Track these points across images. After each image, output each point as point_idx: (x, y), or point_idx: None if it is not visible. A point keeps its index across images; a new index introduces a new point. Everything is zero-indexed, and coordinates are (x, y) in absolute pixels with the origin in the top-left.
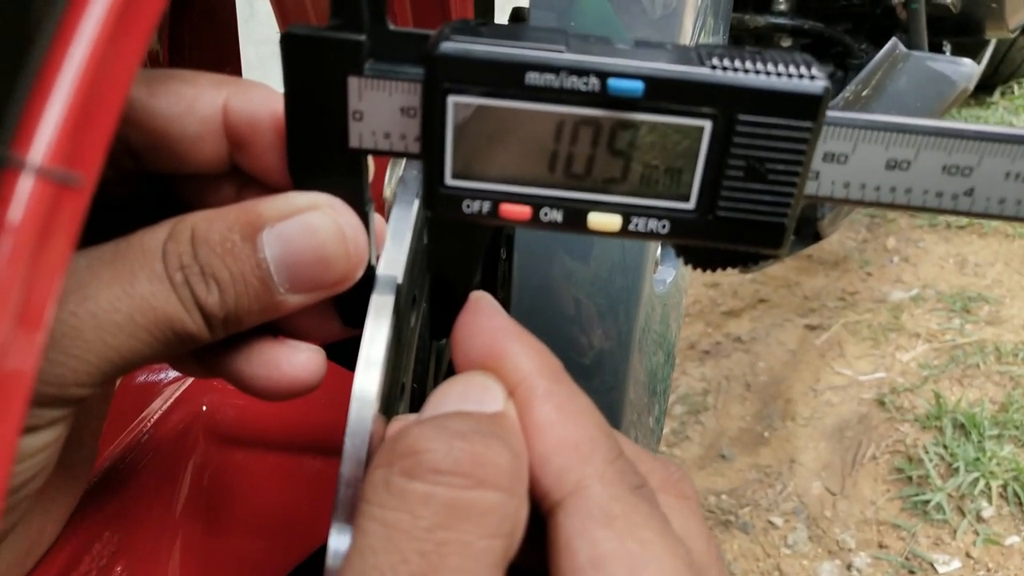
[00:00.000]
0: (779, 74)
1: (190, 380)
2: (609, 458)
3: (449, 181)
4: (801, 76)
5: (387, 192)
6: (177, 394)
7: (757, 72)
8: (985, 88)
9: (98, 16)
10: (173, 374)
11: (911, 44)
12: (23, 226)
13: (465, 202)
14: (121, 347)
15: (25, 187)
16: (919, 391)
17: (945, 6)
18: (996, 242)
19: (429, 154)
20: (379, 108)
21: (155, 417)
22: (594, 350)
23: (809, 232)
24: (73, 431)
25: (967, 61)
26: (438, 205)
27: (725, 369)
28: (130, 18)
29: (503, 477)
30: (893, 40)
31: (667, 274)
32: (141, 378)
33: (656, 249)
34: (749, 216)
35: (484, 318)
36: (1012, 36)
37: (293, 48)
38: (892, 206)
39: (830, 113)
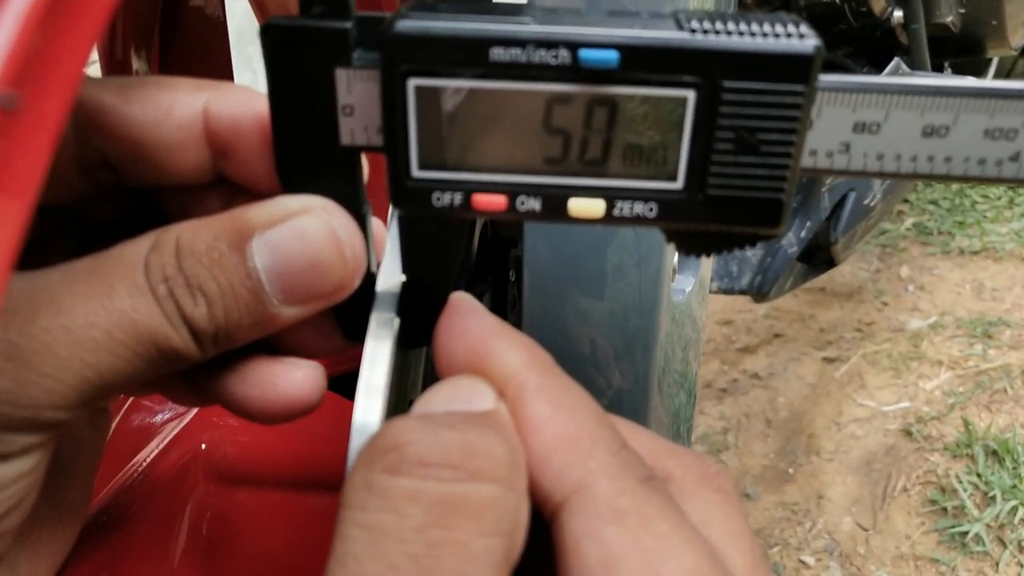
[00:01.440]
0: (765, 35)
1: (188, 418)
2: (612, 450)
3: (416, 173)
4: (789, 35)
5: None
6: (175, 432)
7: (741, 34)
8: None
9: None
10: (170, 413)
11: (913, 65)
12: None
13: (435, 195)
14: (99, 365)
15: None
16: (946, 419)
17: (945, 26)
18: (1012, 266)
19: (393, 145)
20: (370, 101)
21: (152, 457)
22: (612, 390)
23: (823, 259)
24: (60, 466)
25: (969, 79)
26: (406, 200)
27: (744, 406)
28: None
29: (499, 468)
30: (896, 61)
31: (686, 283)
32: (138, 419)
33: (672, 260)
34: (742, 193)
35: (465, 318)
36: (1015, 54)
37: (274, 41)
38: (931, 176)
39: (859, 79)
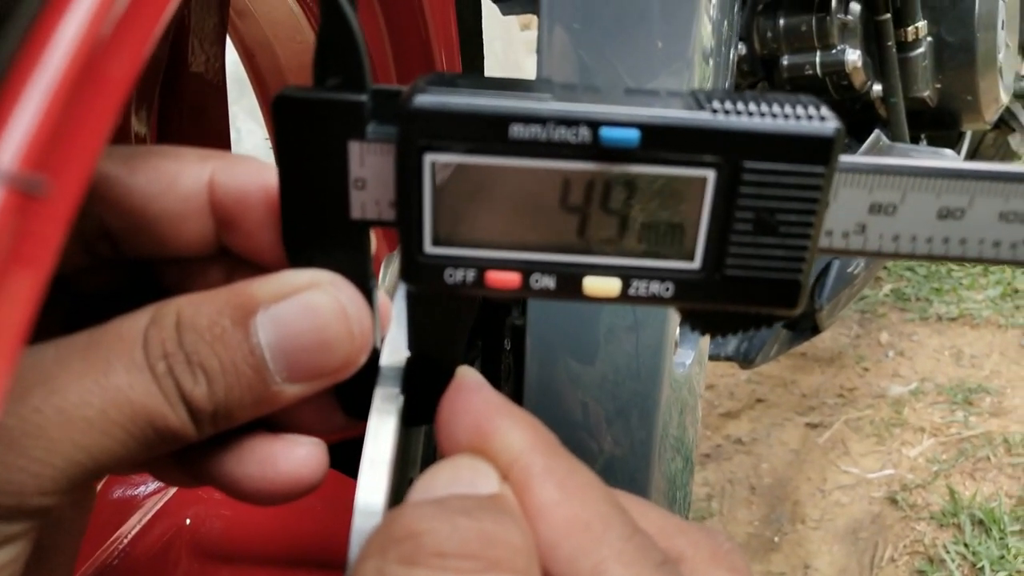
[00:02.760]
0: (786, 116)
1: (172, 491)
2: (625, 535)
3: (429, 249)
4: (810, 117)
5: (382, 289)
6: (158, 507)
7: (762, 115)
8: None
9: (79, 25)
10: (154, 485)
11: (892, 136)
12: None
13: (447, 271)
14: (91, 447)
15: None
16: (931, 487)
17: (922, 100)
18: (989, 333)
19: (406, 220)
20: (382, 175)
21: (134, 533)
22: (604, 456)
23: (807, 325)
24: (40, 548)
25: (948, 152)
26: (417, 276)
27: (728, 472)
28: (124, 31)
29: (517, 557)
30: (876, 132)
31: (686, 356)
32: (119, 491)
33: (675, 331)
34: (760, 274)
35: (469, 395)
36: (988, 128)
37: (287, 112)
38: (945, 258)
39: (876, 160)
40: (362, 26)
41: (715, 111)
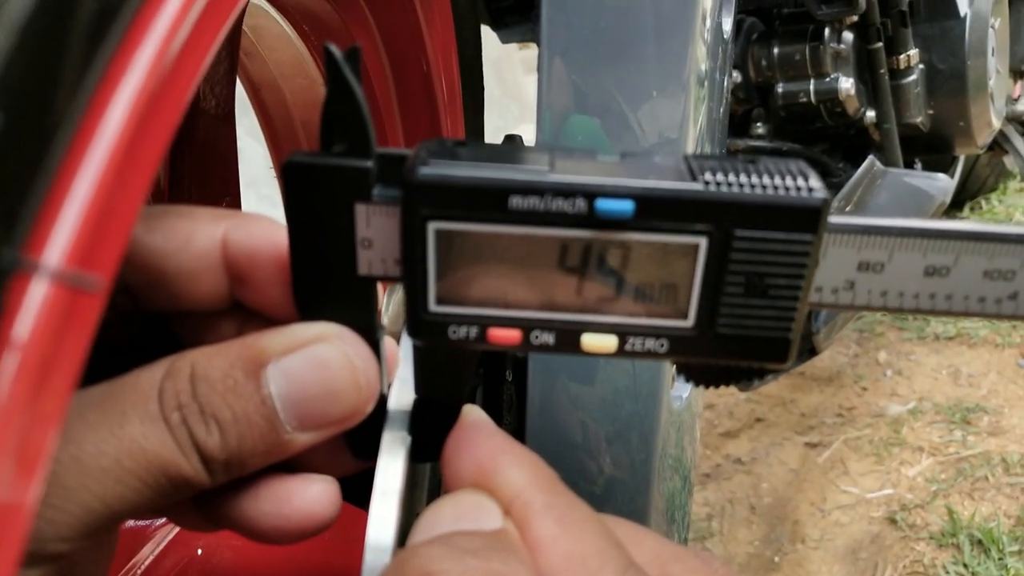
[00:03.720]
0: (775, 187)
1: None
2: (620, 569)
3: (433, 308)
4: (799, 189)
5: (385, 319)
6: (170, 537)
7: (752, 186)
8: (955, 204)
9: (119, 117)
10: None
11: (886, 162)
12: (33, 340)
13: (451, 328)
14: (106, 495)
15: (38, 294)
16: (930, 507)
17: (915, 125)
18: (986, 352)
19: (411, 281)
20: (388, 234)
21: (147, 564)
22: (604, 476)
23: (805, 347)
24: None
25: (942, 176)
26: (423, 332)
27: (727, 492)
28: (153, 116)
29: None
30: (870, 158)
31: (683, 390)
32: (131, 522)
33: (672, 367)
34: (751, 332)
35: (473, 434)
36: (981, 152)
37: (296, 176)
38: (932, 312)
39: (864, 221)
40: (367, 90)
41: (707, 183)
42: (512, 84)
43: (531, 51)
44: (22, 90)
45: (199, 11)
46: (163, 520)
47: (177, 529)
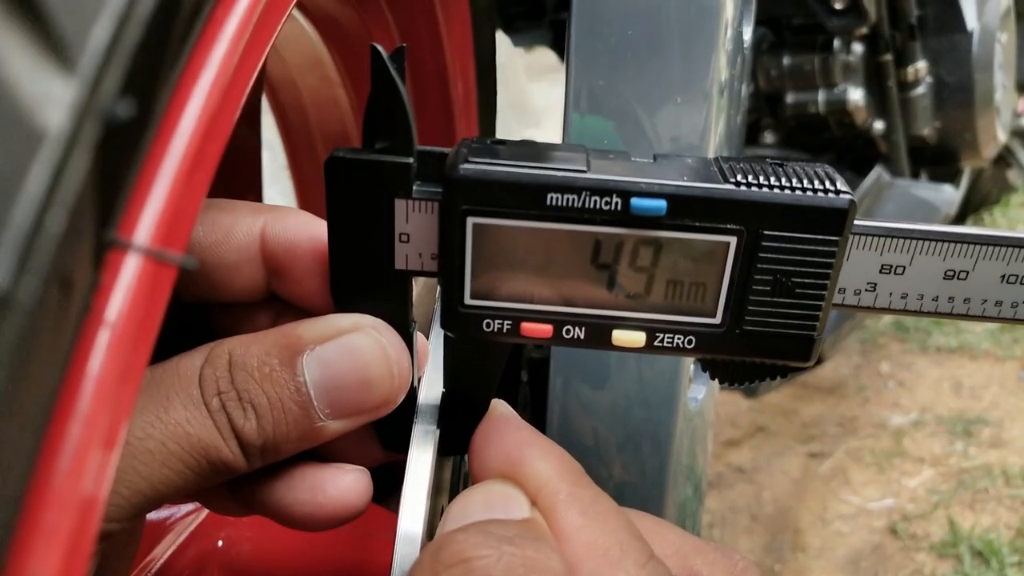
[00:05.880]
0: (804, 189)
1: (204, 513)
2: (641, 561)
3: (469, 301)
4: (826, 191)
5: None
6: (190, 529)
7: (782, 188)
8: (958, 217)
9: (194, 115)
10: (187, 508)
11: (893, 173)
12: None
13: (485, 321)
14: (152, 477)
15: (131, 267)
16: (931, 517)
17: (921, 137)
18: (988, 364)
19: (448, 274)
20: (426, 230)
21: (166, 556)
22: (614, 481)
23: None
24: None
25: (947, 187)
26: (458, 325)
27: (729, 501)
28: (219, 116)
29: None
30: (877, 169)
31: (699, 392)
32: (152, 514)
33: (690, 364)
34: (777, 330)
35: (502, 426)
36: (986, 165)
37: (338, 171)
38: (950, 315)
39: (887, 224)
40: (409, 93)
41: (738, 183)
42: (515, 89)
43: (536, 57)
44: (143, 79)
45: (256, 18)
46: (184, 512)
47: (198, 521)
